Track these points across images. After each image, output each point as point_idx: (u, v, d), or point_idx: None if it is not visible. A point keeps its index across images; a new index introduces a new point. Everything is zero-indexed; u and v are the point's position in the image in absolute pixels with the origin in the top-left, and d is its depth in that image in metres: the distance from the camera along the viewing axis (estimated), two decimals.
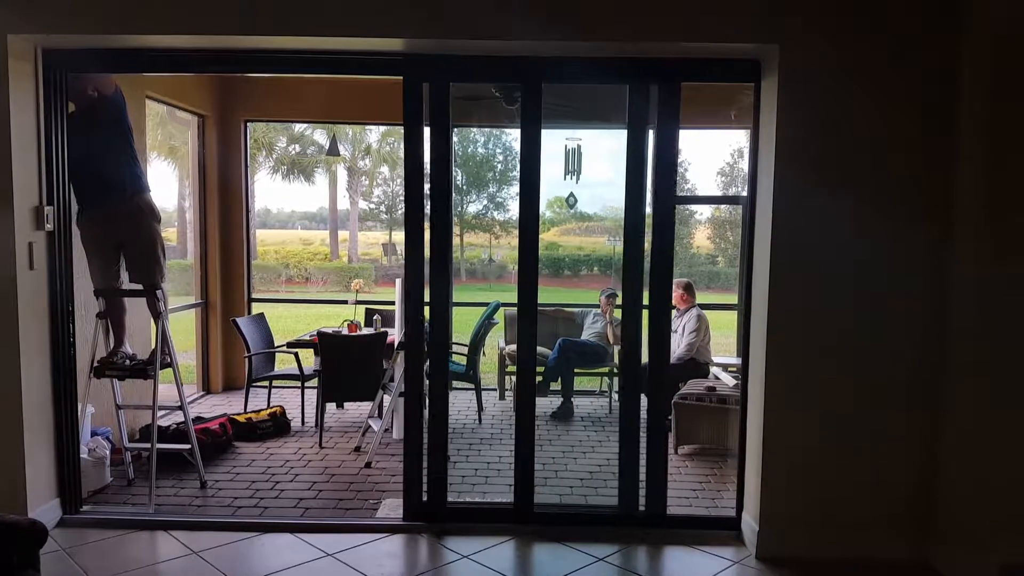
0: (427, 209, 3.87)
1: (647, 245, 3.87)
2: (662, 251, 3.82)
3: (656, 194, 3.80)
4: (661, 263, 3.83)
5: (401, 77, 3.75)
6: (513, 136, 21.36)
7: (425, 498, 3.95)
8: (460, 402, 6.54)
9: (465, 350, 6.19)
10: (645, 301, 3.94)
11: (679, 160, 3.82)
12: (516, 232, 3.89)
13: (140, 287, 4.29)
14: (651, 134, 3.81)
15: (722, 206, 20.72)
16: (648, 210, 3.85)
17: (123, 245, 4.25)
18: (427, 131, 3.81)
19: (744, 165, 17.29)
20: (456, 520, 3.93)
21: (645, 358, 4.02)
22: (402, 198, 3.65)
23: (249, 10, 3.43)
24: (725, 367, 5.92)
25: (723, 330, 7.93)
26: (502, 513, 4.01)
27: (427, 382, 3.97)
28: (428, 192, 3.88)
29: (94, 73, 4.07)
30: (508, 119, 4.02)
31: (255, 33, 3.48)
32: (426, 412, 3.95)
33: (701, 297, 6.29)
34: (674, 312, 6.28)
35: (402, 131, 3.77)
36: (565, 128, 5.52)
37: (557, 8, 3.42)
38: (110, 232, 4.21)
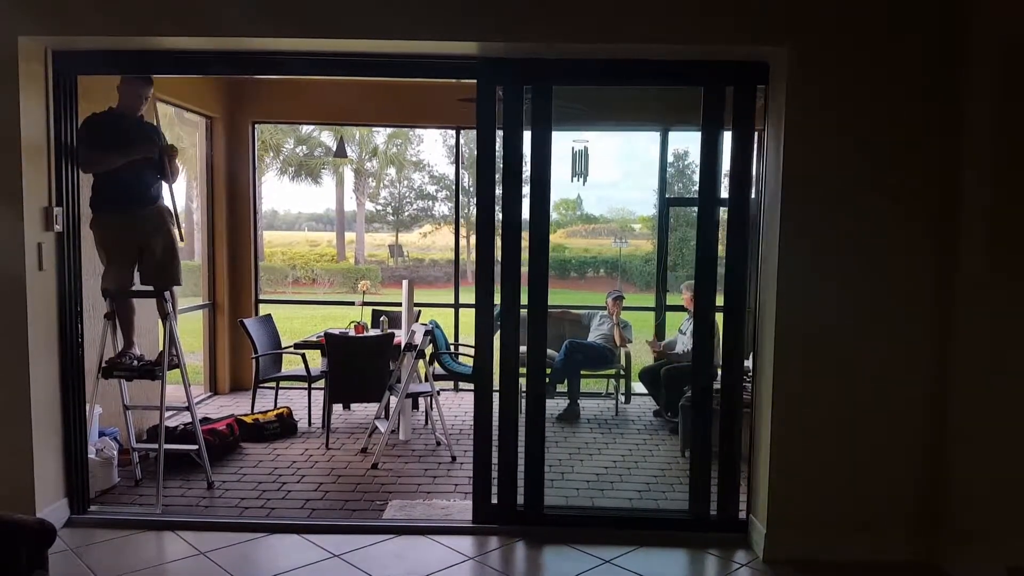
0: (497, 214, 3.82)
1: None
2: (737, 256, 3.78)
3: (731, 196, 3.78)
4: (737, 267, 3.78)
5: (473, 80, 3.74)
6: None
7: (495, 500, 3.94)
8: (467, 403, 6.53)
9: (472, 351, 6.16)
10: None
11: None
12: (524, 234, 3.86)
13: (150, 288, 4.30)
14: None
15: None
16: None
17: (146, 247, 4.26)
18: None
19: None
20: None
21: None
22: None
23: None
24: None
25: None
26: (518, 515, 3.96)
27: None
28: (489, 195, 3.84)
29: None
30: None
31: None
32: (495, 415, 3.94)
33: None
34: (684, 315, 6.27)
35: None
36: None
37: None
38: (135, 235, 4.23)
